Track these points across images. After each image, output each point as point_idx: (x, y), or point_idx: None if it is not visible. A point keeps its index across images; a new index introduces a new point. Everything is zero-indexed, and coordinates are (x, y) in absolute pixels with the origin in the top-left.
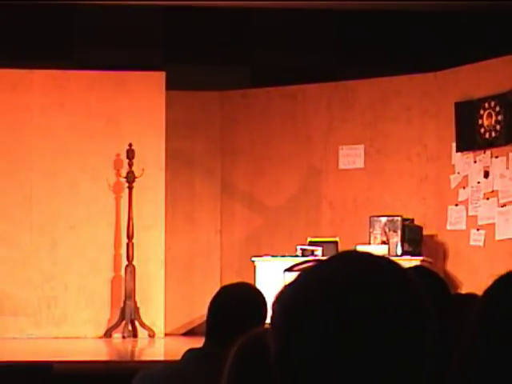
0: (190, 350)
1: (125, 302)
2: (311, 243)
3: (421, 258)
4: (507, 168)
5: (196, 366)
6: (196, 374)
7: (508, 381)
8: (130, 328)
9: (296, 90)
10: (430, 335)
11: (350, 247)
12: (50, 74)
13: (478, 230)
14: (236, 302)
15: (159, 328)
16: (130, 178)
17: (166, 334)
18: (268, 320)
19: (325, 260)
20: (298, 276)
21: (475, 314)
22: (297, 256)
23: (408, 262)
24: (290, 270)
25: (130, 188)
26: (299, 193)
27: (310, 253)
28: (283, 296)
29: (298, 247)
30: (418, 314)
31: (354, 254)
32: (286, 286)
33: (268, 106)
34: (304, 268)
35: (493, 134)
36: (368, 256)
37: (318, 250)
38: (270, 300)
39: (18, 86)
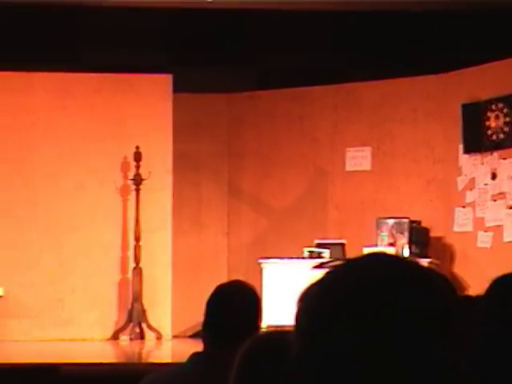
0: (195, 354)
1: (132, 305)
2: (318, 245)
3: (428, 260)
4: None
5: (201, 369)
6: (202, 376)
7: None
8: (137, 330)
9: (302, 92)
10: (456, 337)
11: (356, 249)
12: (56, 77)
13: (485, 231)
14: (230, 302)
15: (166, 330)
16: (137, 180)
17: (173, 337)
18: (262, 320)
19: (352, 260)
20: (325, 275)
21: (480, 312)
22: (304, 258)
23: None
24: (318, 267)
25: (137, 190)
26: (306, 195)
27: (317, 255)
28: (309, 295)
29: (305, 249)
30: (444, 316)
31: (381, 256)
32: (311, 285)
33: (274, 108)
34: (331, 267)
35: (500, 135)
36: (395, 258)
37: (326, 252)
38: (273, 301)
39: (23, 89)
